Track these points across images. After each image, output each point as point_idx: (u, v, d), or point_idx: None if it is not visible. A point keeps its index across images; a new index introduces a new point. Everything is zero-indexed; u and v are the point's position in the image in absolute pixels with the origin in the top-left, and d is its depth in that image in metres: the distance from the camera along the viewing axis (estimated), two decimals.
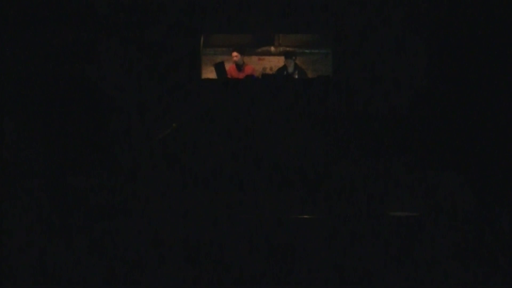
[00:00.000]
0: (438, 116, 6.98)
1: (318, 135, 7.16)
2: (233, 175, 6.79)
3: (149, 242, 6.16)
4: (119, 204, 6.42)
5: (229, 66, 9.73)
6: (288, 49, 10.97)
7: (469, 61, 6.95)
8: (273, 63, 11.39)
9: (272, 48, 11.63)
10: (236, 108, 7.43)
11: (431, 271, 5.96)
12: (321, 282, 5.99)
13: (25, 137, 6.48)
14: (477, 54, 6.92)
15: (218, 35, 10.48)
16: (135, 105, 7.28)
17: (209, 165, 6.86)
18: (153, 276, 5.99)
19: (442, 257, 6.02)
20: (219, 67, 9.02)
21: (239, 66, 9.82)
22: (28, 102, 6.60)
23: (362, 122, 7.24)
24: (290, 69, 9.56)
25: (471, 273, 5.89)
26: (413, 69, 7.36)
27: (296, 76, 9.52)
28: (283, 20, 8.08)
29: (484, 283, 5.83)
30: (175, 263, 6.06)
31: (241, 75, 9.67)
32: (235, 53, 9.89)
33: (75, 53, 7.11)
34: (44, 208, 6.31)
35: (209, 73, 9.87)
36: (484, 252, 6.06)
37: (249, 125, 7.16)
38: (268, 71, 11.25)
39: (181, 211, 6.39)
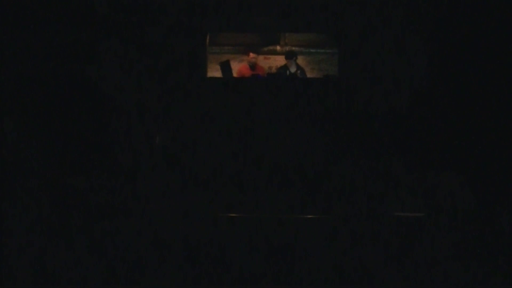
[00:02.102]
0: (438, 116, 6.96)
1: (319, 135, 7.15)
2: (233, 175, 6.80)
3: (149, 242, 6.16)
4: (119, 204, 6.45)
5: (241, 65, 9.76)
6: (294, 48, 10.96)
7: (470, 61, 6.92)
8: (279, 62, 11.34)
9: (278, 47, 11.61)
10: (240, 107, 7.43)
11: (431, 271, 5.94)
12: (321, 282, 5.97)
13: (25, 137, 6.49)
14: (477, 54, 6.88)
15: (224, 33, 10.50)
16: (137, 105, 7.27)
17: (209, 165, 6.88)
18: (153, 276, 5.99)
19: (442, 257, 6.00)
20: (225, 66, 9.01)
21: (252, 66, 9.83)
22: (28, 102, 6.60)
23: (365, 122, 7.22)
24: (292, 69, 9.56)
25: (471, 273, 5.86)
26: (418, 70, 7.33)
27: (298, 76, 9.54)
28: (289, 19, 8.05)
29: (484, 283, 5.80)
30: (175, 263, 6.06)
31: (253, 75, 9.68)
32: (253, 55, 9.89)
33: (78, 53, 7.11)
34: (44, 208, 6.32)
35: (215, 72, 9.88)
36: (484, 252, 6.03)
37: (250, 124, 7.16)
38: (273, 70, 11.24)
39: (181, 211, 6.41)
